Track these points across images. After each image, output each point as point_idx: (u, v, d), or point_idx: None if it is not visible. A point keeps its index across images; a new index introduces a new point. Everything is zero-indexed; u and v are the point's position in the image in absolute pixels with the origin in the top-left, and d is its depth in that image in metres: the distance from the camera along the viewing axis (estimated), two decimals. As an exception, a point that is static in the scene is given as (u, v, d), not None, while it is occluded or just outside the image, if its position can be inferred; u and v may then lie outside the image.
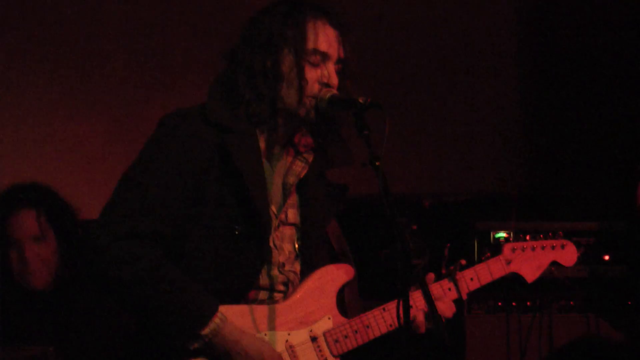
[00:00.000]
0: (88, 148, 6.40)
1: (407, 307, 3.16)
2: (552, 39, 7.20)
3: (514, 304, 5.70)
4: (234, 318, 3.43)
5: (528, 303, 5.70)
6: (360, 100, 3.39)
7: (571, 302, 5.69)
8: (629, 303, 5.67)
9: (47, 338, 4.57)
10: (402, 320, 3.15)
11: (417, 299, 3.65)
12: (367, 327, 3.62)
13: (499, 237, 5.66)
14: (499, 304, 5.70)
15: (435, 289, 3.75)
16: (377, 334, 3.63)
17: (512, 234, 5.66)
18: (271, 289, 3.56)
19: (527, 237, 4.02)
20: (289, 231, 3.65)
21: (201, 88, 3.71)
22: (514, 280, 5.51)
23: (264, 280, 3.54)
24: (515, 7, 7.33)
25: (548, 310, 5.69)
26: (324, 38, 3.56)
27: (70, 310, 4.63)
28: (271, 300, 3.56)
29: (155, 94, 6.52)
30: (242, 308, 3.48)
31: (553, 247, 4.03)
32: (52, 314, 4.64)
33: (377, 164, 3.25)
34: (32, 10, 6.41)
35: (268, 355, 3.42)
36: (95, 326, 4.60)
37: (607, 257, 5.63)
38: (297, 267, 3.64)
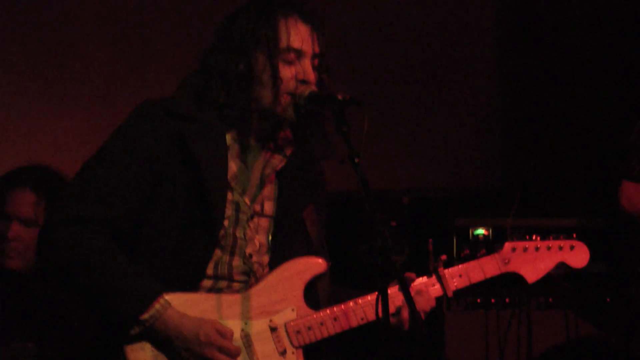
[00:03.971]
0: (68, 143, 6.38)
1: (386, 304, 3.15)
2: (530, 34, 7.22)
3: (492, 300, 5.71)
4: (185, 305, 3.43)
5: (507, 300, 5.71)
6: (339, 97, 3.38)
7: (550, 299, 5.71)
8: (608, 300, 5.69)
9: (25, 332, 4.55)
10: (381, 316, 3.15)
11: (396, 295, 3.63)
12: (335, 319, 3.60)
13: (478, 234, 5.67)
14: (478, 300, 5.71)
15: (419, 284, 3.73)
16: (346, 327, 3.60)
17: (491, 231, 5.67)
18: (230, 278, 3.55)
19: (534, 236, 3.85)
20: (264, 223, 3.64)
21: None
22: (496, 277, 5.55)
23: (222, 269, 3.53)
24: (494, 3, 7.34)
25: (527, 307, 5.71)
26: (297, 35, 3.54)
27: (48, 304, 4.60)
28: (230, 290, 3.55)
29: (136, 89, 6.50)
30: (195, 296, 3.48)
31: (561, 248, 3.85)
32: (31, 308, 4.62)
33: (356, 160, 3.24)
34: (11, 5, 6.38)
35: (204, 336, 3.40)
36: (70, 320, 4.58)
37: (585, 254, 5.64)
38: (266, 259, 3.63)
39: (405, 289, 3.21)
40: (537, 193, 6.57)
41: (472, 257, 3.86)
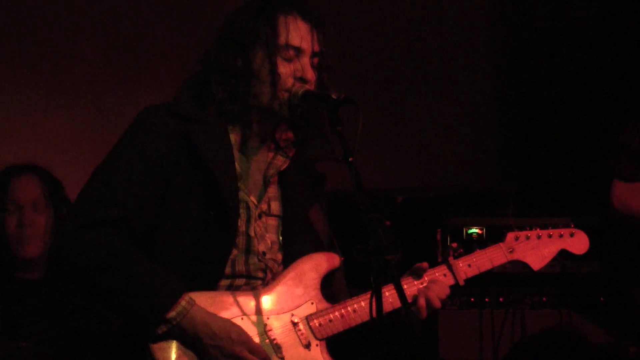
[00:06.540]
0: (65, 142, 6.39)
1: (380, 303, 3.16)
2: (525, 33, 7.22)
3: (486, 299, 5.71)
4: (207, 304, 3.44)
5: (501, 299, 5.71)
6: (334, 96, 3.38)
7: (544, 298, 5.71)
8: (602, 299, 5.69)
9: (33, 330, 4.56)
10: (375, 315, 3.16)
11: (410, 286, 3.70)
12: (355, 311, 3.62)
13: (472, 233, 5.67)
14: (472, 299, 5.71)
15: (432, 274, 3.76)
16: (366, 318, 3.61)
17: (484, 230, 5.67)
18: (248, 276, 3.57)
19: (534, 227, 3.96)
20: (273, 222, 3.67)
21: (179, 82, 3.72)
22: (493, 274, 5.55)
23: (240, 267, 3.56)
24: (489, 3, 7.35)
25: (521, 306, 5.71)
26: (296, 33, 3.56)
27: (60, 303, 4.61)
28: (249, 287, 3.57)
29: (132, 88, 6.52)
30: (216, 294, 3.49)
31: (561, 236, 3.96)
32: (43, 305, 4.63)
33: (350, 159, 3.24)
34: (6, 4, 6.37)
35: (236, 335, 3.42)
36: (82, 322, 4.59)
37: (579, 253, 5.65)
38: (279, 256, 3.66)
39: (399, 287, 3.22)
40: (532, 192, 6.58)
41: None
